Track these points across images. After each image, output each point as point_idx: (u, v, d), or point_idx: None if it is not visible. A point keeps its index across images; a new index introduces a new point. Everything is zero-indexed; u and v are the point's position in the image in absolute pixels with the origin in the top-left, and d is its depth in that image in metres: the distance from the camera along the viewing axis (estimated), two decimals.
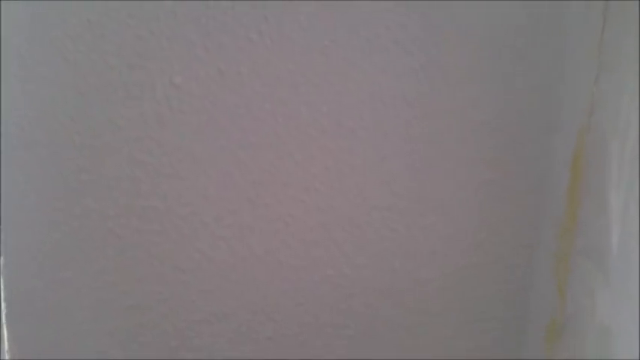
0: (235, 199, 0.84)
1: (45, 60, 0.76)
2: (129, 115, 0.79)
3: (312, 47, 0.82)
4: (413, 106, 0.86)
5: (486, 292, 0.95)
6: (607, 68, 0.83)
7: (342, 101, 0.85)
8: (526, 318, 0.96)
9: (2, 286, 0.82)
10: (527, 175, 0.92)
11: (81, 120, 0.78)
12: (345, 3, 0.81)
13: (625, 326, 0.76)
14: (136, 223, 0.81)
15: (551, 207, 0.91)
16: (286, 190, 0.86)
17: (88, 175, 0.79)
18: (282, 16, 0.80)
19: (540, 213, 0.93)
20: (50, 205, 0.79)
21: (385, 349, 0.95)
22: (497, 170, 0.91)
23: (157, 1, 0.76)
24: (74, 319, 0.84)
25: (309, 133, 0.85)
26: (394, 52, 0.84)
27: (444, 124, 0.87)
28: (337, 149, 0.86)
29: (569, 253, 0.88)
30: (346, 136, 0.86)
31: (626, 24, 0.79)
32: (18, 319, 0.83)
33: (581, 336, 0.85)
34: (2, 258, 0.80)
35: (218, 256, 0.85)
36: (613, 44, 0.82)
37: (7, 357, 0.86)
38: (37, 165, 0.78)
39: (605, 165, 0.82)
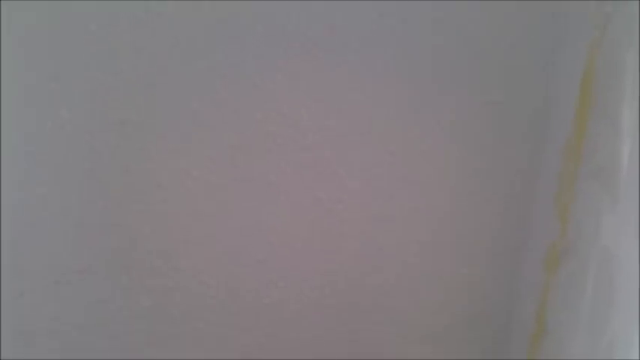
0: (216, 112, 0.79)
1: None
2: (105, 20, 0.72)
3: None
4: None
5: (485, 219, 0.91)
6: None
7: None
8: (525, 244, 0.93)
9: None
10: (531, 96, 0.86)
11: (58, 29, 0.72)
12: None
13: (630, 249, 0.73)
14: (113, 137, 0.76)
15: (557, 128, 0.87)
16: None
17: (62, 85, 0.73)
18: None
19: (545, 135, 0.88)
20: (23, 116, 0.73)
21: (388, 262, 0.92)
22: (501, 91, 0.85)
23: None
24: (54, 237, 0.79)
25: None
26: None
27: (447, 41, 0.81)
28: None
29: (574, 176, 0.84)
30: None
31: None
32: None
33: (583, 260, 0.82)
34: None
35: (203, 175, 0.80)
36: None
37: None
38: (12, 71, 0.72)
39: (619, 80, 0.77)
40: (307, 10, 0.78)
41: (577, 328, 0.84)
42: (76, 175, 0.77)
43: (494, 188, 0.89)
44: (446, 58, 0.82)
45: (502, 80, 0.85)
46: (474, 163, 0.87)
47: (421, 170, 0.86)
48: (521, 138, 0.88)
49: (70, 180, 0.77)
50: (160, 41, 0.75)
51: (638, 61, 0.74)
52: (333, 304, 0.91)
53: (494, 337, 0.99)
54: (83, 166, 0.77)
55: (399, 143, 0.85)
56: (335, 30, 0.80)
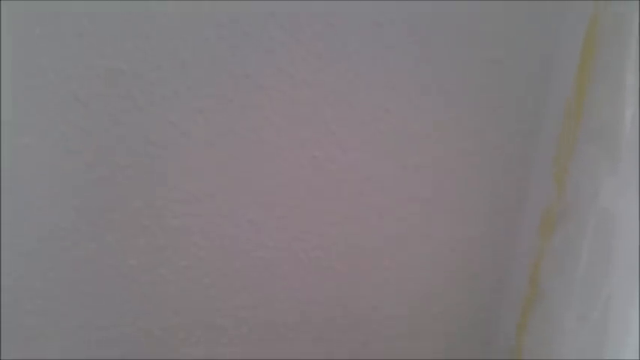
0: (208, 64, 0.76)
1: None
2: None
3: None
4: None
5: (482, 180, 0.89)
6: None
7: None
8: (521, 206, 0.92)
9: None
10: (532, 56, 0.84)
11: None
12: None
13: (630, 210, 0.72)
14: (100, 87, 0.73)
15: (558, 89, 0.85)
16: None
17: (46, 31, 0.69)
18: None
19: (545, 96, 0.86)
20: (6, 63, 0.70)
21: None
22: (501, 49, 0.83)
23: None
24: (38, 192, 0.76)
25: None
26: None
27: None
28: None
29: (573, 138, 0.82)
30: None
31: None
32: None
33: (580, 222, 0.81)
34: None
35: (193, 130, 0.77)
36: None
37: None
38: None
39: (621, 41, 0.75)
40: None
41: (572, 291, 0.83)
42: (60, 126, 0.74)
43: (492, 149, 0.87)
44: (445, 14, 0.79)
45: (502, 38, 0.82)
46: (472, 122, 0.85)
47: (418, 129, 0.84)
48: (521, 98, 0.86)
49: (55, 131, 0.74)
50: None
51: None
52: (328, 264, 0.89)
53: (486, 300, 0.99)
54: (68, 117, 0.73)
55: (396, 101, 0.82)
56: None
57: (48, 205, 0.77)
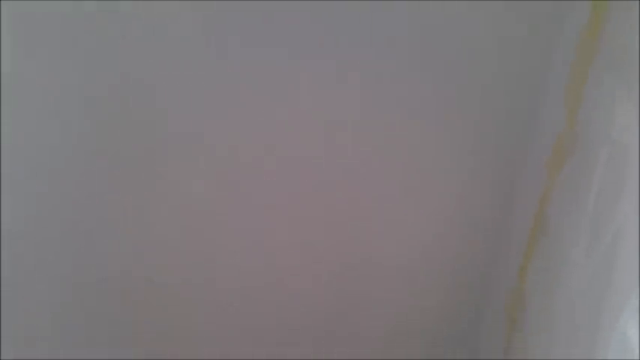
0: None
1: None
2: None
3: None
4: None
5: (491, 108, 0.87)
6: None
7: None
8: (530, 137, 0.90)
9: None
10: None
11: None
12: None
13: None
14: None
15: (574, 15, 0.82)
16: None
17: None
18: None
19: (560, 22, 0.83)
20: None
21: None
22: None
23: None
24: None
25: None
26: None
27: None
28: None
29: (587, 66, 0.80)
30: None
31: None
32: None
33: (591, 153, 0.80)
34: None
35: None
36: None
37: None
38: None
39: None
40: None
41: (579, 225, 0.82)
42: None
43: (503, 76, 0.85)
44: None
45: None
46: (484, 46, 0.83)
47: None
48: (534, 25, 0.83)
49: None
50: None
51: None
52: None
53: (489, 240, 0.98)
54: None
55: None
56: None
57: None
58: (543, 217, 0.91)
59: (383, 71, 0.81)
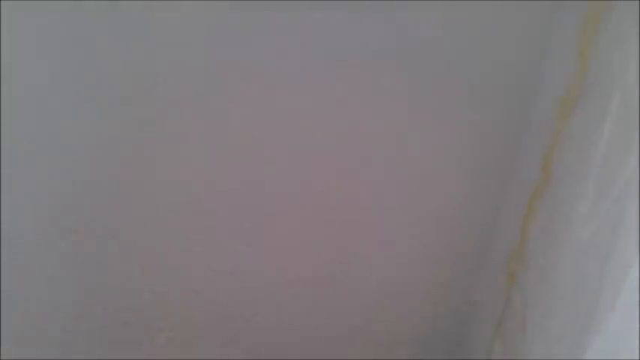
0: None
1: None
2: None
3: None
4: None
5: (499, 55, 0.82)
6: None
7: None
8: (538, 84, 0.84)
9: None
10: None
11: None
12: None
13: None
14: None
15: None
16: None
17: None
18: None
19: None
20: None
21: None
22: None
23: None
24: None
25: None
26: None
27: None
28: None
29: (603, 7, 0.74)
30: None
31: None
32: None
33: (603, 101, 0.74)
34: None
35: None
36: None
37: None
38: None
39: None
40: None
41: (587, 176, 0.77)
42: None
43: (511, 22, 0.79)
44: None
45: None
46: None
47: None
48: None
49: None
50: None
51: None
52: None
53: (492, 192, 0.94)
54: None
55: None
56: None
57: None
58: (548, 170, 0.86)
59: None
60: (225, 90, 0.77)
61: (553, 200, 0.85)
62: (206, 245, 0.88)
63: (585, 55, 0.77)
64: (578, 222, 0.78)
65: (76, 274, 0.85)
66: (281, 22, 0.72)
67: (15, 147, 0.74)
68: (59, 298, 0.86)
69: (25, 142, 0.75)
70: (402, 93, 0.82)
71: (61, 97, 0.73)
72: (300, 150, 0.84)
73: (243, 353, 1.01)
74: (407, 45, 0.78)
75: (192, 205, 0.84)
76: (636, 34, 0.69)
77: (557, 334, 0.82)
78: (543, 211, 0.88)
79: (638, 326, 0.61)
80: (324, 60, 0.76)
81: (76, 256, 0.83)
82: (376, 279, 0.98)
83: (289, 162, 0.84)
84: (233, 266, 0.91)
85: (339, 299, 1.00)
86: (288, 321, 0.99)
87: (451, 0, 0.76)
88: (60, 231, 0.81)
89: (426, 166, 0.89)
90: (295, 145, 0.83)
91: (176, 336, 0.96)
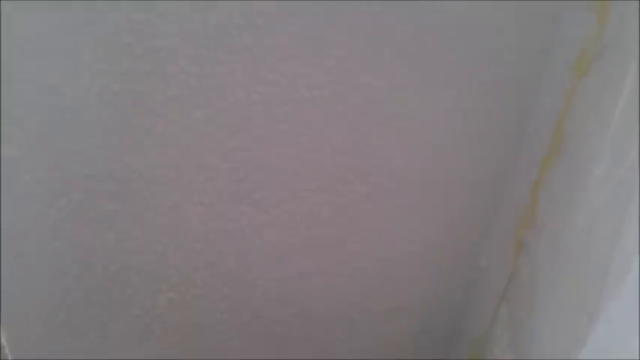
0: None
1: None
2: None
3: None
4: None
5: (511, 12, 0.78)
6: None
7: None
8: (554, 41, 0.81)
9: None
10: None
11: None
12: None
13: None
14: None
15: None
16: None
17: None
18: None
19: None
20: None
21: None
22: None
23: None
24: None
25: None
26: None
27: None
28: None
29: None
30: None
31: None
32: None
33: (622, 58, 0.71)
34: None
35: None
36: None
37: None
38: None
39: None
40: None
41: (603, 139, 0.74)
42: None
43: None
44: None
45: None
46: None
47: None
48: None
49: None
50: None
51: None
52: None
53: (502, 153, 0.91)
54: None
55: None
56: None
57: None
58: (562, 133, 0.83)
59: None
60: (227, 43, 0.74)
61: (566, 164, 0.82)
62: (208, 205, 0.86)
63: (604, 10, 0.73)
64: (593, 187, 0.76)
65: (75, 233, 0.83)
66: None
67: (14, 100, 0.72)
68: (58, 257, 0.84)
69: (23, 95, 0.72)
70: (411, 51, 0.79)
71: (60, 48, 0.70)
72: (304, 109, 0.81)
73: (244, 316, 1.00)
74: None
75: (195, 164, 0.82)
76: None
77: (567, 302, 0.80)
78: (555, 175, 0.85)
79: None
80: (326, 13, 0.73)
81: (74, 214, 0.81)
82: (380, 243, 0.96)
83: (294, 121, 0.81)
84: (235, 228, 0.89)
85: (342, 263, 0.98)
86: (289, 285, 0.97)
87: None
88: (59, 188, 0.79)
89: (435, 128, 0.86)
90: (300, 104, 0.80)
91: (177, 297, 0.94)
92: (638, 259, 0.64)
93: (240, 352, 1.05)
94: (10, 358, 0.93)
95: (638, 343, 0.62)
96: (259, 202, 0.88)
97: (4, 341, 0.91)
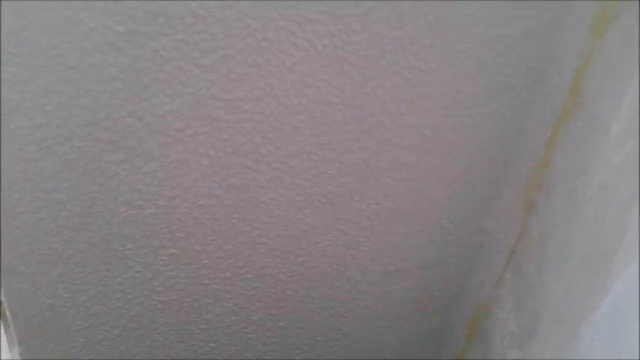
0: None
1: None
2: None
3: None
4: None
5: None
6: None
7: None
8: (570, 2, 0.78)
9: None
10: None
11: None
12: None
13: None
14: None
15: None
16: None
17: None
18: None
19: None
20: None
21: None
22: None
23: None
24: None
25: None
26: None
27: None
28: None
29: None
30: None
31: None
32: None
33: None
34: None
35: None
36: None
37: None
38: None
39: None
40: None
41: (620, 100, 0.72)
42: None
43: None
44: None
45: None
46: None
47: None
48: None
49: None
50: None
51: None
52: None
53: (517, 111, 0.88)
54: None
55: None
56: None
57: None
58: (578, 90, 0.81)
59: None
60: None
61: (583, 121, 0.80)
62: (213, 158, 0.83)
63: None
64: (610, 144, 0.74)
65: (75, 182, 0.80)
66: None
67: (15, 46, 0.68)
68: (57, 206, 0.82)
69: (23, 43, 0.68)
70: (427, 3, 0.76)
71: None
72: (315, 59, 0.78)
73: (247, 274, 0.99)
74: None
75: (200, 114, 0.79)
76: None
77: (579, 266, 0.78)
78: (570, 134, 0.83)
79: None
80: None
81: (75, 162, 0.78)
82: (386, 201, 0.94)
83: (303, 72, 0.79)
84: (240, 182, 0.87)
85: (347, 222, 0.96)
86: (293, 242, 0.96)
87: None
88: (59, 134, 0.76)
89: (447, 83, 0.83)
90: (310, 53, 0.77)
91: (179, 253, 0.92)
92: None
93: (242, 311, 1.03)
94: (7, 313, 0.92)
95: None
96: (265, 156, 0.86)
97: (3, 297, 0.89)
